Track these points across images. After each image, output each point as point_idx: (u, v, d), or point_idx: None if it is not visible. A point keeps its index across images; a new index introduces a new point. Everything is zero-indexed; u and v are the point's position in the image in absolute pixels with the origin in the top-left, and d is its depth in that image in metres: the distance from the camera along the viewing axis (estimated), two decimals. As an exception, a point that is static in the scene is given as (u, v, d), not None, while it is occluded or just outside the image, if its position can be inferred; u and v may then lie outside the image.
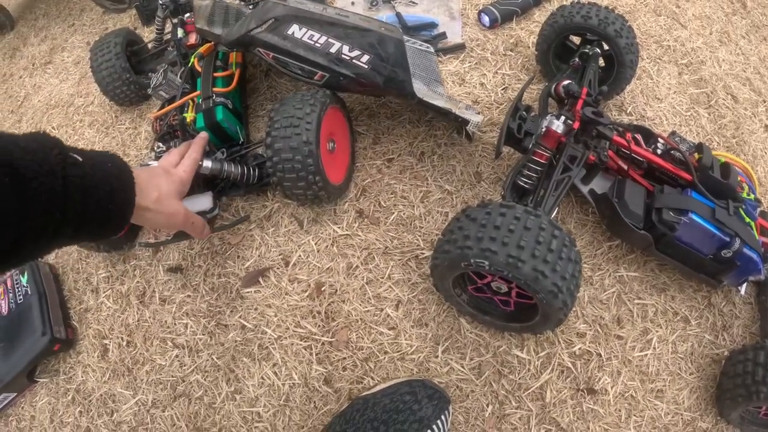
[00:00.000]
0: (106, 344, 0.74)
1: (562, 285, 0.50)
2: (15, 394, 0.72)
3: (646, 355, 0.68)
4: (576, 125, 0.62)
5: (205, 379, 0.69)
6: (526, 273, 0.49)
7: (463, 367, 0.65)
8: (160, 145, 0.74)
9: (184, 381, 0.69)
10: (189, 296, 0.73)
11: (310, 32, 0.66)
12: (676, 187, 0.66)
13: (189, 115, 0.73)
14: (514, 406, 0.64)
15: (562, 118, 0.62)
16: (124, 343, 0.73)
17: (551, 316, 0.55)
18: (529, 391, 0.64)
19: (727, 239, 0.63)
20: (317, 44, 0.66)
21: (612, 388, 0.66)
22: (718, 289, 0.71)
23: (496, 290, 0.60)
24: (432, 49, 0.73)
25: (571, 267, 0.52)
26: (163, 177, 0.57)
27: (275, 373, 0.67)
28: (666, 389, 0.68)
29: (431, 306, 0.66)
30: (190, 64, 0.78)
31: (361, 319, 0.66)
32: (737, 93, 0.87)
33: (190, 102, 0.75)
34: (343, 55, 0.66)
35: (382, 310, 0.66)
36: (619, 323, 0.68)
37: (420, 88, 0.73)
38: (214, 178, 0.72)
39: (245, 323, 0.69)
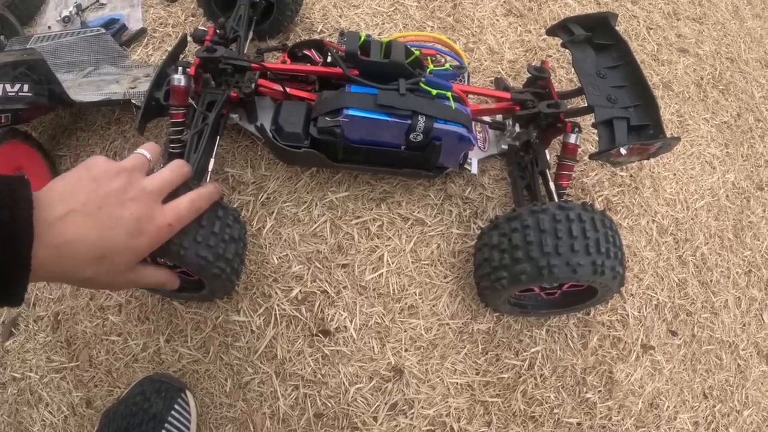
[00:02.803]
0: None
1: (225, 266, 0.49)
2: None
3: (381, 274, 0.61)
4: (192, 71, 0.59)
5: (7, 439, 0.71)
6: (189, 260, 0.46)
7: (189, 349, 0.62)
8: None
9: (-9, 449, 0.72)
10: (-26, 365, 0.76)
11: None
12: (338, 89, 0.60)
13: None
14: (251, 373, 0.60)
15: (180, 69, 0.59)
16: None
17: (218, 291, 0.56)
18: (259, 352, 0.60)
19: (408, 121, 0.56)
20: (-18, 93, 0.68)
21: (351, 322, 0.60)
22: (439, 177, 0.63)
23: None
24: (102, 30, 0.74)
25: (234, 246, 0.50)
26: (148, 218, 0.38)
27: (50, 412, 0.68)
28: (418, 303, 0.61)
29: (147, 299, 0.64)
30: None
31: (93, 334, 0.66)
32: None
33: None
34: (9, 93, 0.68)
35: (107, 319, 0.65)
36: (340, 251, 0.62)
37: (109, 71, 0.74)
38: None
39: (15, 375, 0.70)
